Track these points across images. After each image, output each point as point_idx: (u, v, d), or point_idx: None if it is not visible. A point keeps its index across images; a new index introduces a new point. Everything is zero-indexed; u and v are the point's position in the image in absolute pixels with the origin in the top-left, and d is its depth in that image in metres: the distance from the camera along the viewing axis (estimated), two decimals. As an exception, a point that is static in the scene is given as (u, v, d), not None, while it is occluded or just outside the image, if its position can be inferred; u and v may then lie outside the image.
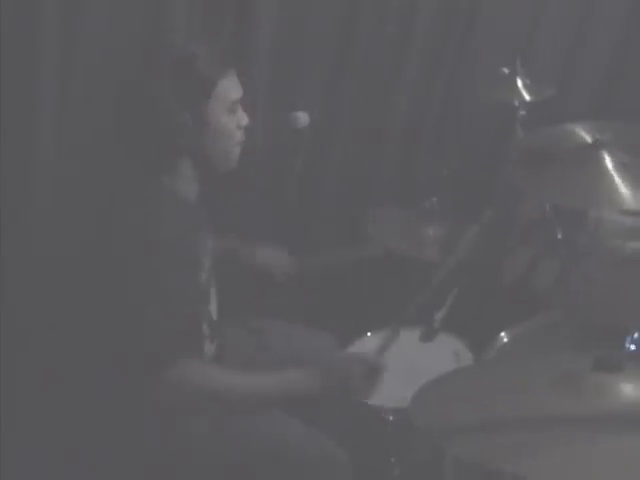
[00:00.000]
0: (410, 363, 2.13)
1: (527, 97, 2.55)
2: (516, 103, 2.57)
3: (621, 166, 2.04)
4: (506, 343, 2.24)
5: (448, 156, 3.00)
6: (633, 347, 2.06)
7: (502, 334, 2.22)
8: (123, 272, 1.88)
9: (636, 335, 1.94)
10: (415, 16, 2.88)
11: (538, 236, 2.51)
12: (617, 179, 2.01)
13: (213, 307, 2.03)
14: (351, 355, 2.18)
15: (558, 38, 3.04)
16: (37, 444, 2.23)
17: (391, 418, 2.08)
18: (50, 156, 2.37)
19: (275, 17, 2.68)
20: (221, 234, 2.18)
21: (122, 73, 2.15)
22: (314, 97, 2.84)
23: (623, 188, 1.99)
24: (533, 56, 2.91)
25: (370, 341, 2.32)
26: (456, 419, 1.40)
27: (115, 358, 1.91)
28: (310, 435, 2.03)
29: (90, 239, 2.07)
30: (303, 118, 2.33)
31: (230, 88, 1.97)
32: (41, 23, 2.29)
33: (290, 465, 1.97)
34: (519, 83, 2.57)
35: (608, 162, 2.06)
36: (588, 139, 2.13)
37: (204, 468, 1.94)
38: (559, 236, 2.37)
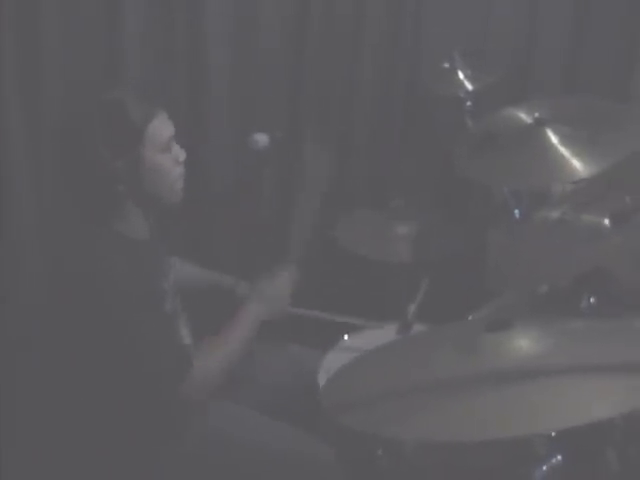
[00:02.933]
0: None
1: (470, 87, 2.63)
2: (461, 94, 2.64)
3: (565, 139, 2.06)
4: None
5: (410, 155, 3.06)
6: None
7: (469, 317, 2.26)
8: (90, 321, 1.92)
9: (592, 300, 1.98)
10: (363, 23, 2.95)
11: (501, 220, 2.55)
12: (564, 152, 2.03)
13: (185, 332, 2.10)
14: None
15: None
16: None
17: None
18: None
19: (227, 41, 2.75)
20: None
21: (61, 123, 2.21)
22: (273, 116, 2.89)
23: (571, 160, 2.01)
24: (475, 46, 2.97)
25: (348, 343, 2.38)
26: (355, 395, 1.45)
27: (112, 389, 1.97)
28: (296, 436, 2.09)
29: (51, 289, 2.13)
30: (263, 139, 2.38)
31: (161, 128, 2.00)
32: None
33: (278, 467, 2.03)
34: (460, 75, 2.65)
35: (552, 137, 2.08)
36: (528, 119, 2.16)
37: (195, 473, 2.01)
38: (517, 217, 2.41)
